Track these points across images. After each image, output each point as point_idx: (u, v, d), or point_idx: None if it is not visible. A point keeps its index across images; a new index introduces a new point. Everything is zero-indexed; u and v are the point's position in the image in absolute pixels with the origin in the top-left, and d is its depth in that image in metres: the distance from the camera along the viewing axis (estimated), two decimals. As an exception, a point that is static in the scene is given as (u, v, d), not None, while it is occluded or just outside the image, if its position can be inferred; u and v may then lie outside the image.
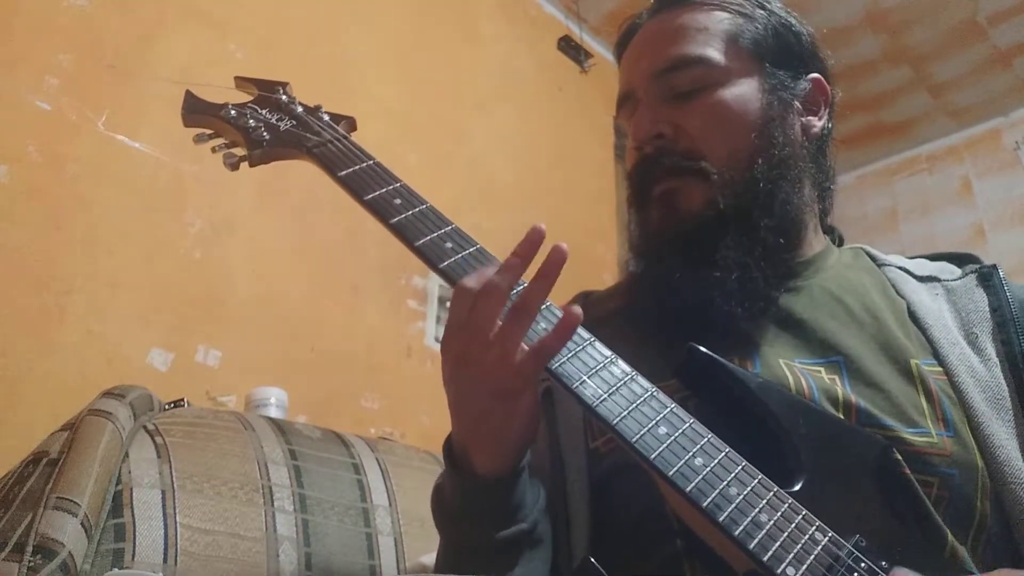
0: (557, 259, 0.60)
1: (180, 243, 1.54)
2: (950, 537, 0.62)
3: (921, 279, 0.80)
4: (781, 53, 0.82)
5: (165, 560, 0.77)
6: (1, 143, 1.34)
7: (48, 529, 0.70)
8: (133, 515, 0.78)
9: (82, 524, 0.72)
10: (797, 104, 0.82)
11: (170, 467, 0.84)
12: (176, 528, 0.80)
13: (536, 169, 2.48)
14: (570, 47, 2.81)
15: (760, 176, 0.76)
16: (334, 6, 2.03)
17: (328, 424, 1.13)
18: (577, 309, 0.58)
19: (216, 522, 0.83)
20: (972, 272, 0.80)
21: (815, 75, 0.84)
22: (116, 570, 0.73)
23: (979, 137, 3.23)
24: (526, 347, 0.59)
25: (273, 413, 1.30)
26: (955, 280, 0.79)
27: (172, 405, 0.97)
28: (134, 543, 0.76)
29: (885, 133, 3.30)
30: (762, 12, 0.83)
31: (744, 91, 0.79)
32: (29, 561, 0.67)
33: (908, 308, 0.76)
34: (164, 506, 0.80)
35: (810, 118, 0.83)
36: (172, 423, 0.90)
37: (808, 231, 0.81)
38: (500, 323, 0.60)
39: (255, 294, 1.62)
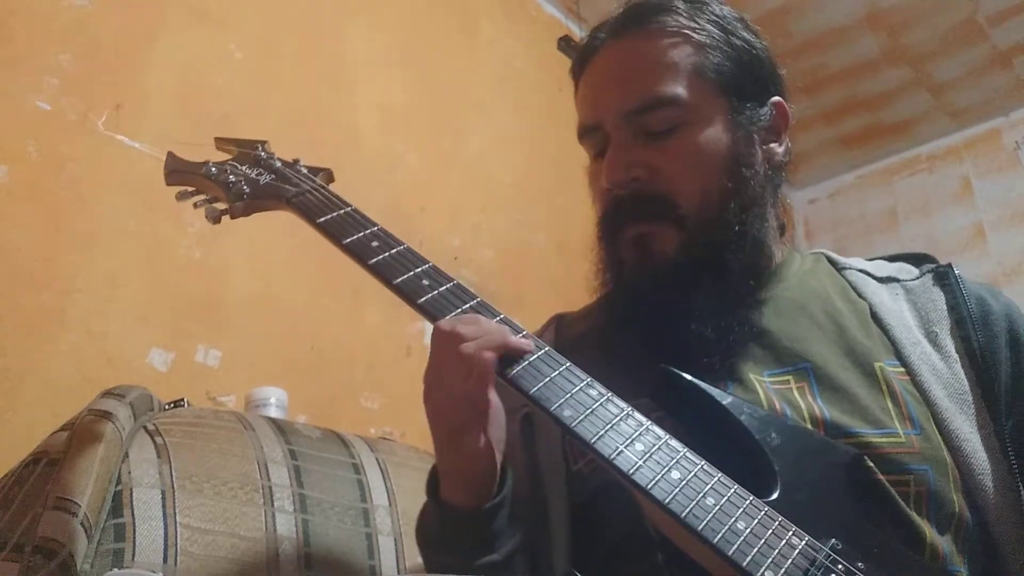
0: (515, 352, 0.65)
1: (180, 243, 1.54)
2: (929, 536, 0.63)
3: (881, 280, 0.82)
4: (744, 82, 0.81)
5: (165, 560, 0.77)
6: (1, 143, 1.34)
7: (48, 529, 0.70)
8: (133, 515, 0.78)
9: (82, 524, 0.72)
10: (760, 134, 0.82)
11: (170, 467, 0.84)
12: (176, 528, 0.80)
13: (536, 169, 2.48)
14: (570, 47, 2.81)
15: (732, 219, 0.77)
16: (334, 6, 2.03)
17: (328, 424, 1.13)
18: (530, 343, 0.65)
19: (216, 522, 0.83)
20: (929, 272, 0.82)
21: (776, 99, 0.84)
22: (116, 570, 0.73)
23: (979, 137, 3.23)
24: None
25: (273, 413, 1.30)
26: (913, 280, 0.81)
27: (172, 405, 0.97)
28: (134, 543, 0.76)
29: (885, 133, 3.30)
30: (723, 36, 0.81)
31: (714, 131, 0.78)
32: (29, 561, 0.67)
33: (870, 309, 0.78)
34: (164, 506, 0.80)
35: (772, 145, 0.83)
36: (172, 423, 0.90)
37: (771, 248, 0.82)
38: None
39: (255, 294, 1.62)
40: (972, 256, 3.05)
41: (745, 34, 0.83)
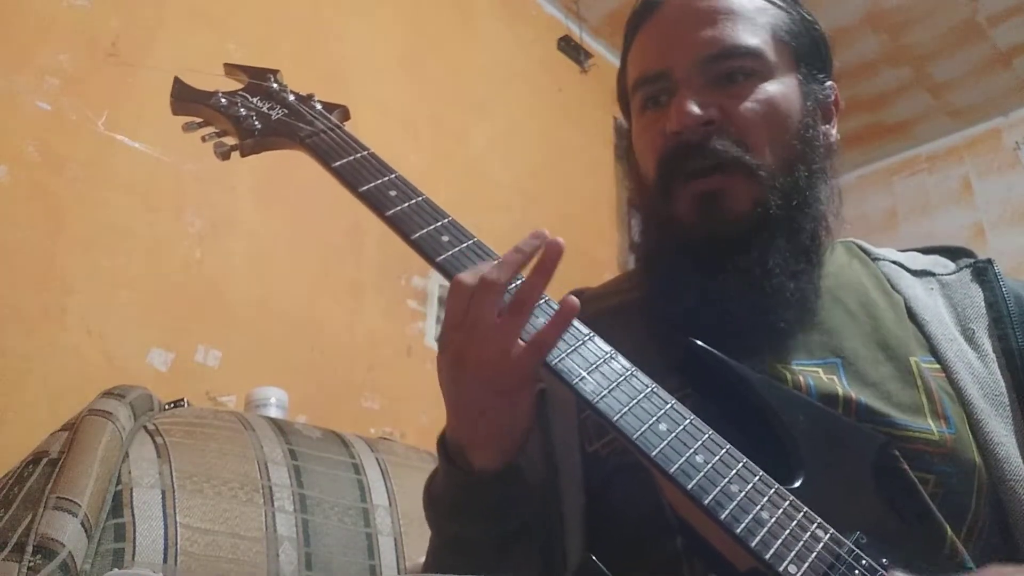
0: (554, 254, 0.59)
1: (180, 243, 1.54)
2: (950, 532, 0.62)
3: (916, 273, 0.79)
4: (814, 55, 0.79)
5: (165, 560, 0.77)
6: (1, 143, 1.34)
7: (48, 529, 0.70)
8: (133, 515, 0.78)
9: (82, 524, 0.72)
10: (822, 110, 0.79)
11: (170, 467, 0.84)
12: (176, 528, 0.80)
13: (536, 169, 2.48)
14: (570, 47, 2.81)
15: (802, 182, 0.73)
16: (333, 6, 2.03)
17: (328, 424, 1.13)
18: (573, 299, 0.58)
19: (216, 522, 0.83)
20: (967, 266, 0.79)
21: (832, 83, 0.82)
22: (116, 570, 0.73)
23: (979, 137, 3.23)
24: (523, 342, 0.59)
25: (273, 413, 1.30)
26: (949, 275, 0.79)
27: (172, 405, 0.97)
28: (134, 543, 0.76)
29: (885, 133, 3.30)
30: (794, 5, 0.79)
31: (788, 91, 0.75)
32: (29, 561, 0.67)
33: (905, 304, 0.75)
34: (164, 506, 0.80)
35: (828, 126, 0.80)
36: (172, 423, 0.90)
37: (823, 246, 0.79)
38: (498, 319, 0.59)
39: (255, 294, 1.62)
40: (972, 256, 3.05)
41: (810, 14, 0.81)
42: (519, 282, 0.62)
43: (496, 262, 0.62)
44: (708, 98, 0.73)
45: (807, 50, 0.78)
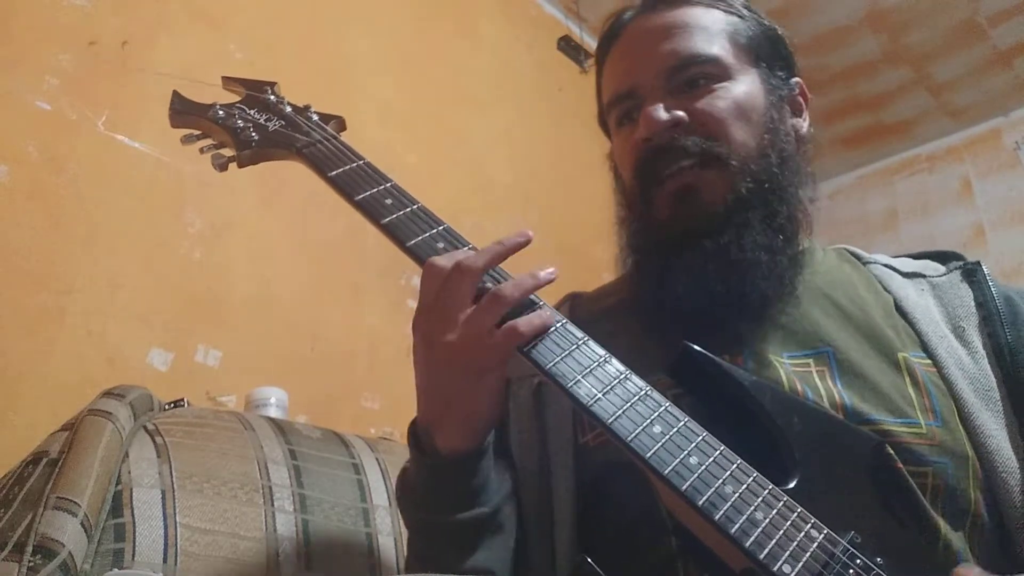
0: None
1: (180, 243, 1.54)
2: (944, 531, 0.62)
3: (906, 275, 0.82)
4: (773, 55, 0.83)
5: (165, 560, 0.77)
6: (1, 143, 1.34)
7: (48, 529, 0.70)
8: (133, 515, 0.78)
9: (82, 524, 0.72)
10: (787, 106, 0.83)
11: (170, 467, 0.84)
12: (176, 528, 0.80)
13: (536, 169, 2.48)
14: (570, 47, 2.81)
15: (773, 168, 0.77)
16: (334, 6, 2.03)
17: (328, 424, 1.13)
18: (552, 316, 0.61)
19: (216, 522, 0.83)
20: (956, 268, 0.82)
21: (797, 79, 0.86)
22: (116, 570, 0.73)
23: (979, 137, 3.23)
24: (495, 328, 0.60)
25: (273, 413, 1.30)
26: (940, 276, 0.81)
27: (172, 405, 0.97)
28: (134, 543, 0.76)
29: (885, 133, 3.30)
30: (751, 13, 0.84)
31: (751, 89, 0.79)
32: (29, 561, 0.67)
33: (895, 303, 0.77)
34: (164, 506, 0.80)
35: (797, 120, 0.85)
36: (172, 423, 0.90)
37: (801, 228, 0.82)
38: (473, 304, 0.61)
39: (255, 294, 1.62)
40: (972, 256, 3.04)
41: (766, 19, 0.86)
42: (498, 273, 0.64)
43: (474, 250, 0.63)
44: (675, 102, 0.77)
45: (766, 51, 0.83)
